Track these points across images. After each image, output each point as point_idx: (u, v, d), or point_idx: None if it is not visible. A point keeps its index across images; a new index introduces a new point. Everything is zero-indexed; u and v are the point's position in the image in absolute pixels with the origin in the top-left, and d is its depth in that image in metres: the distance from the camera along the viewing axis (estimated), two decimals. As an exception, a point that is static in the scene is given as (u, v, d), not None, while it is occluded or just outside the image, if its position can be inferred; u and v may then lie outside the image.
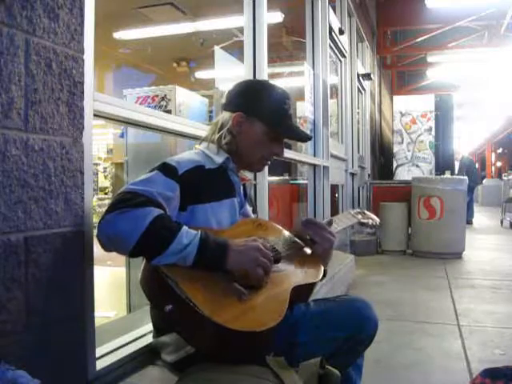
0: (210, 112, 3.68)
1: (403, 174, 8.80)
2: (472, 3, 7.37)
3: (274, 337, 1.01)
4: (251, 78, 2.42)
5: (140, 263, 1.08)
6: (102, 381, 1.18)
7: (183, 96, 3.45)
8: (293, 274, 1.16)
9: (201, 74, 7.54)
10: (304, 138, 1.36)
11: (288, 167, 5.45)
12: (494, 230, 8.09)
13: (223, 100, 1.34)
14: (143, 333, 1.44)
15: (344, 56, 5.28)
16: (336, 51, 4.95)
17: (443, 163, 8.52)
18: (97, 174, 10.25)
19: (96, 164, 10.11)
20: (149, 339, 1.35)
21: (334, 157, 4.48)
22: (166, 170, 1.12)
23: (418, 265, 4.64)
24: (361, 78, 6.32)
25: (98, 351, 1.22)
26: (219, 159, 1.24)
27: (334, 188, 4.99)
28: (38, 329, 0.97)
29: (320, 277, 1.21)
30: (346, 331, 1.18)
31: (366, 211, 1.62)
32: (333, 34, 4.38)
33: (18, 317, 0.92)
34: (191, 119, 2.52)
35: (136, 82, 6.88)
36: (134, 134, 3.43)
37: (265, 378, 0.97)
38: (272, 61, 5.71)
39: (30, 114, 0.96)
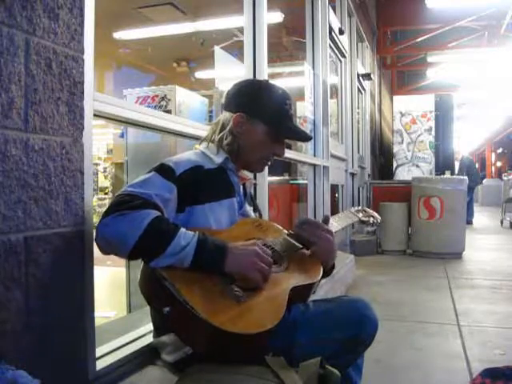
0: (210, 112, 3.68)
1: (403, 174, 8.78)
2: (472, 3, 7.38)
3: (268, 337, 1.01)
4: (251, 77, 2.42)
5: (140, 263, 1.08)
6: (102, 381, 1.18)
7: (183, 96, 3.45)
8: (291, 275, 1.15)
9: (201, 74, 7.54)
10: (305, 138, 1.36)
11: (288, 167, 5.43)
12: (493, 229, 8.08)
13: (223, 100, 1.33)
14: (143, 333, 1.44)
15: (344, 56, 5.28)
16: (336, 51, 4.96)
17: (443, 163, 8.49)
18: (97, 173, 10.26)
19: (96, 164, 10.12)
20: (149, 339, 1.35)
21: (334, 157, 4.48)
22: (164, 171, 1.11)
23: (418, 265, 4.63)
24: (361, 77, 6.33)
25: (98, 351, 1.22)
26: (218, 159, 1.24)
27: (334, 188, 4.99)
28: (38, 329, 0.97)
29: (319, 277, 1.20)
30: (345, 332, 1.17)
31: (366, 208, 1.63)
32: (333, 33, 4.38)
33: (17, 317, 0.92)
34: (191, 119, 2.52)
35: (136, 82, 6.88)
36: (134, 134, 3.43)
37: (266, 379, 0.97)
38: (272, 61, 5.70)
39: (30, 114, 0.96)
